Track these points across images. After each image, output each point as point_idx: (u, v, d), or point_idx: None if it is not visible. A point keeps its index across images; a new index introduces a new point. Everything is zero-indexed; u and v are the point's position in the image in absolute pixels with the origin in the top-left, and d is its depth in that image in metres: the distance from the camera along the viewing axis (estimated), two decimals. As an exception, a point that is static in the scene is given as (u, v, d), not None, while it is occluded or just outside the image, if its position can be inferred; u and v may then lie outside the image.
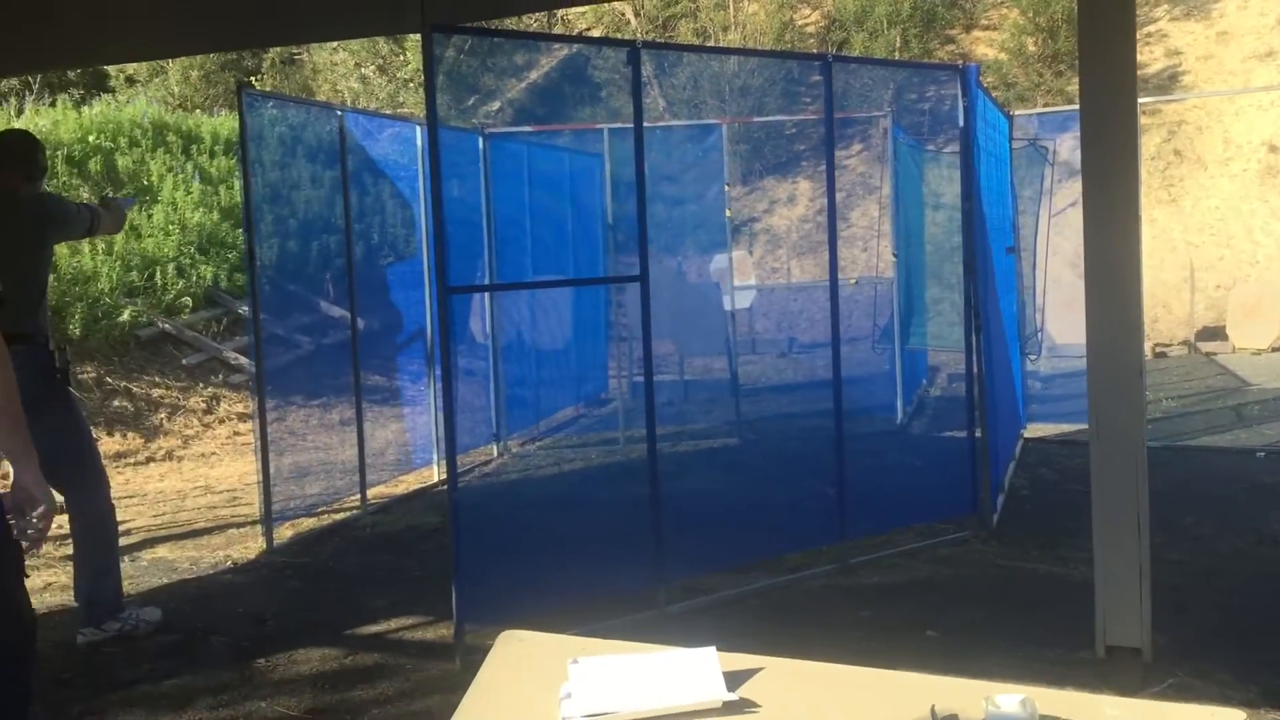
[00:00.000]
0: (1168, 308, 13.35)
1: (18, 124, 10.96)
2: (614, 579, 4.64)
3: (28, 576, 2.52)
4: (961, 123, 5.58)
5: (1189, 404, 9.11)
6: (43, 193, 4.56)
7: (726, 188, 8.89)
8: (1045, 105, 15.56)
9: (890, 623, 4.44)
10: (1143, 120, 15.76)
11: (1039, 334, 9.12)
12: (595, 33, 20.16)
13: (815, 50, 18.73)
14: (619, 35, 19.36)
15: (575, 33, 20.66)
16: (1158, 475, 6.72)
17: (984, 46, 18.46)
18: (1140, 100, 14.07)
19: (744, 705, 1.69)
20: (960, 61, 18.11)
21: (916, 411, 9.00)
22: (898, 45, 18.04)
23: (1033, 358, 9.01)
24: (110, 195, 5.68)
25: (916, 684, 1.69)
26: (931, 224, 9.06)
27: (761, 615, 4.58)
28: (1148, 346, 11.90)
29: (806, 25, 20.09)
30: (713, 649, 1.81)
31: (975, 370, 5.70)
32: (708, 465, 7.28)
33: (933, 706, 1.58)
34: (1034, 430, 8.09)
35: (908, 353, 8.94)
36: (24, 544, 2.45)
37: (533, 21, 20.46)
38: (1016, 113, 9.80)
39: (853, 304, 12.15)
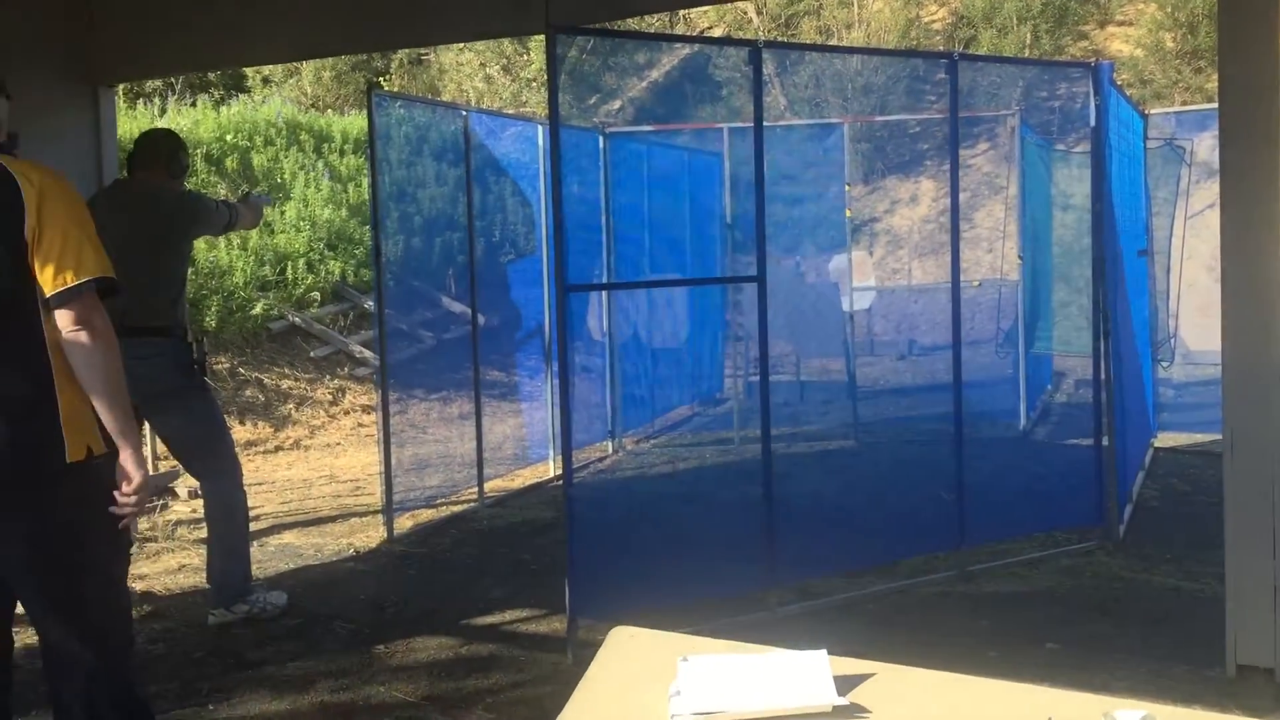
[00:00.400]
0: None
1: (160, 123, 11.47)
2: (725, 579, 4.63)
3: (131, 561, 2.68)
4: (1093, 122, 5.41)
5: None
6: (183, 190, 4.73)
7: (847, 187, 8.77)
8: (1183, 103, 15.00)
9: (1009, 633, 4.34)
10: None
11: (1172, 340, 8.78)
12: (717, 32, 20.15)
13: (941, 48, 18.40)
14: (741, 34, 19.31)
15: (697, 32, 20.68)
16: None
17: (1119, 43, 17.89)
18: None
19: (853, 710, 1.67)
20: (1093, 58, 17.59)
21: (1041, 417, 8.77)
22: (1028, 42, 17.60)
23: (1165, 364, 8.69)
24: (250, 192, 5.88)
25: (1032, 696, 1.65)
26: (1060, 225, 8.81)
27: (875, 621, 4.52)
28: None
29: (933, 22, 19.75)
30: (823, 652, 1.79)
31: (1103, 376, 5.53)
32: (822, 467, 7.21)
33: (1049, 719, 1.54)
34: (1166, 439, 7.81)
35: (1032, 357, 8.71)
36: (119, 515, 2.64)
37: (655, 21, 20.55)
38: (1152, 111, 9.46)
39: (976, 306, 11.89)
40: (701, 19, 21.16)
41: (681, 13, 21.45)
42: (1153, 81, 16.41)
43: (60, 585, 2.63)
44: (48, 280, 2.49)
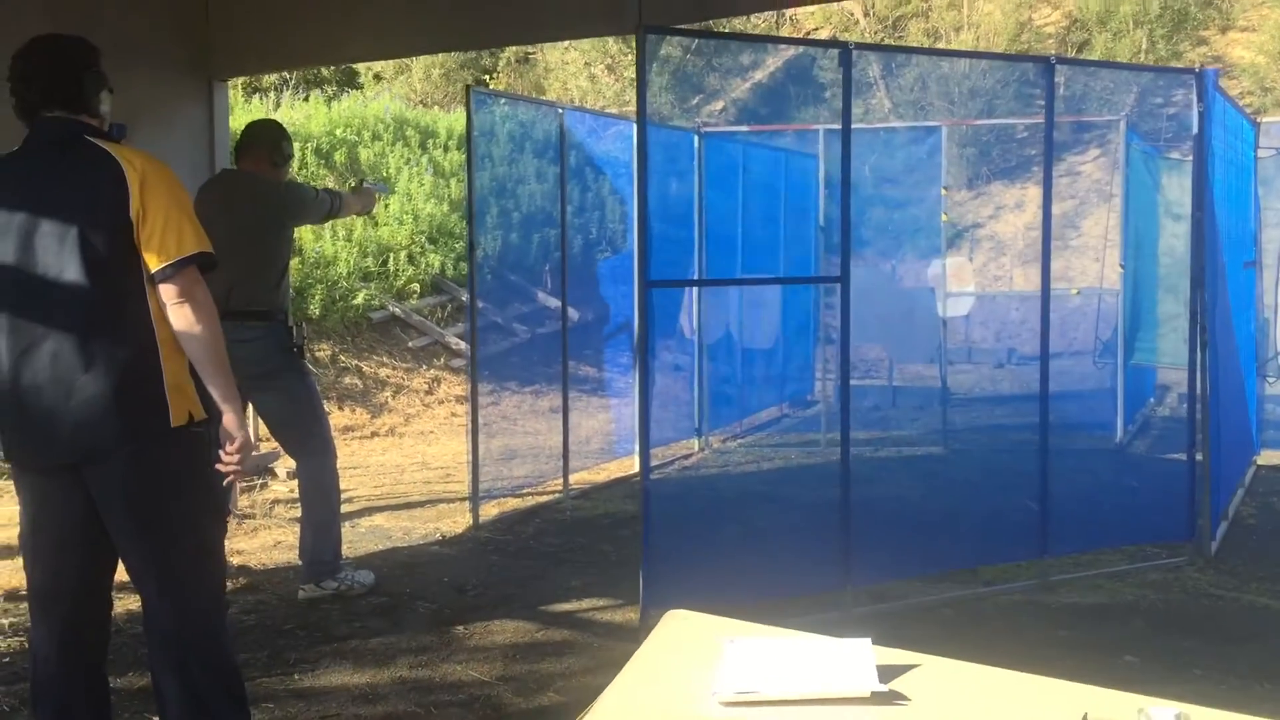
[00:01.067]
0: None
1: (274, 116, 11.86)
2: (800, 578, 4.65)
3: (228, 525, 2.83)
4: (1195, 128, 5.29)
5: None
6: (283, 180, 4.86)
7: (945, 191, 8.67)
8: (1306, 112, 14.46)
9: (1088, 644, 4.28)
10: None
11: (1277, 355, 8.50)
12: (823, 33, 20.03)
13: (1053, 51, 18.02)
14: (848, 35, 19.16)
15: (804, 33, 20.60)
16: None
17: (1241, 49, 17.31)
18: None
19: (892, 697, 1.70)
20: (1213, 65, 17.06)
21: (1141, 430, 8.57)
22: (1143, 47, 17.14)
23: (1272, 380, 8.42)
24: (364, 180, 6.08)
25: (1071, 692, 1.66)
26: (1170, 234, 8.58)
27: (951, 625, 4.50)
28: None
29: (1046, 25, 19.33)
30: (868, 640, 1.83)
31: (1199, 389, 5.40)
32: (908, 472, 7.16)
33: (1085, 715, 1.55)
34: (1271, 457, 7.58)
35: (1133, 369, 8.52)
36: (223, 474, 2.83)
37: (760, 22, 20.51)
38: (1268, 120, 9.17)
39: (1079, 315, 11.65)
40: (808, 20, 21.05)
41: (789, 14, 21.40)
42: (1275, 89, 15.85)
43: (159, 544, 2.79)
44: (152, 256, 2.68)
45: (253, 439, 3.72)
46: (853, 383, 4.76)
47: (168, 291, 2.69)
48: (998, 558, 5.18)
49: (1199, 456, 5.41)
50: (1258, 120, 7.98)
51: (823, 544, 4.68)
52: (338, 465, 4.92)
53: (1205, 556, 5.32)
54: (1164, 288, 8.55)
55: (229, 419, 2.76)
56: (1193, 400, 5.46)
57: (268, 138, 4.79)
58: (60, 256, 2.66)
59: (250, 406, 4.74)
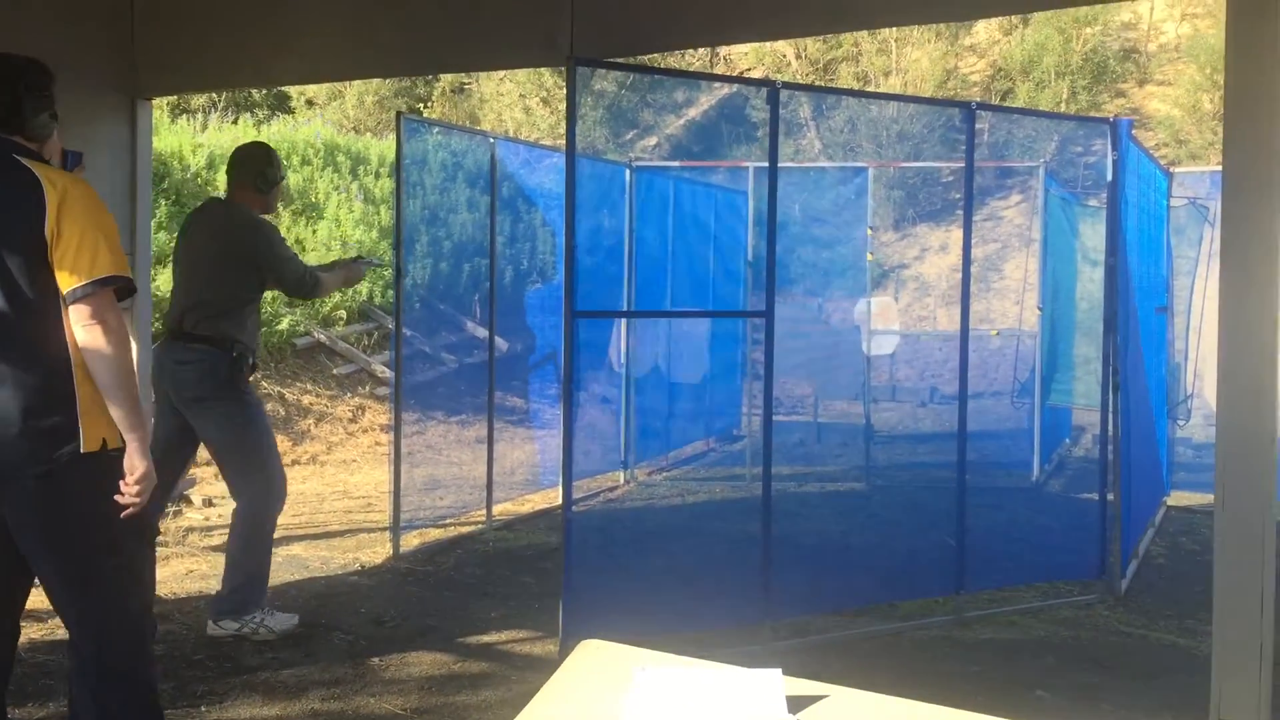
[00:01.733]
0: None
1: (200, 139, 11.70)
2: (721, 611, 4.67)
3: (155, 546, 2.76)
4: (1109, 176, 5.46)
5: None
6: (260, 223, 4.70)
7: (870, 231, 8.83)
8: (1219, 164, 14.98)
9: (1000, 679, 4.34)
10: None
11: (1189, 399, 8.75)
12: (756, 73, 20.32)
13: (978, 99, 18.48)
14: (779, 76, 19.47)
15: (738, 72, 20.88)
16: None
17: (1157, 101, 17.91)
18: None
19: (800, 728, 1.71)
20: (1131, 116, 17.57)
21: (1056, 470, 8.75)
22: (1065, 97, 17.64)
23: (1181, 423, 8.65)
24: (360, 256, 5.98)
25: (975, 724, 1.69)
26: (1088, 279, 8.82)
27: (868, 659, 4.53)
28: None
29: (972, 74, 19.83)
30: (778, 671, 1.84)
31: (1111, 431, 5.54)
32: (831, 507, 7.23)
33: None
34: (1181, 498, 7.77)
35: (1049, 409, 8.70)
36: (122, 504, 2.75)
37: (695, 60, 20.77)
38: (1181, 170, 9.48)
39: (1000, 356, 11.90)
40: (742, 60, 21.36)
41: (723, 53, 21.71)
42: (1189, 142, 16.40)
43: (77, 568, 2.73)
44: (65, 276, 2.63)
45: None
46: (779, 418, 4.81)
47: (79, 312, 2.63)
48: (916, 593, 5.24)
49: (1110, 496, 5.54)
50: (1171, 170, 8.25)
51: (744, 578, 4.71)
52: (275, 505, 4.67)
53: (1116, 594, 5.44)
54: (1081, 331, 8.78)
55: (132, 448, 2.70)
56: (1105, 441, 5.59)
57: (251, 163, 4.68)
58: None
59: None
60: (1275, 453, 3.46)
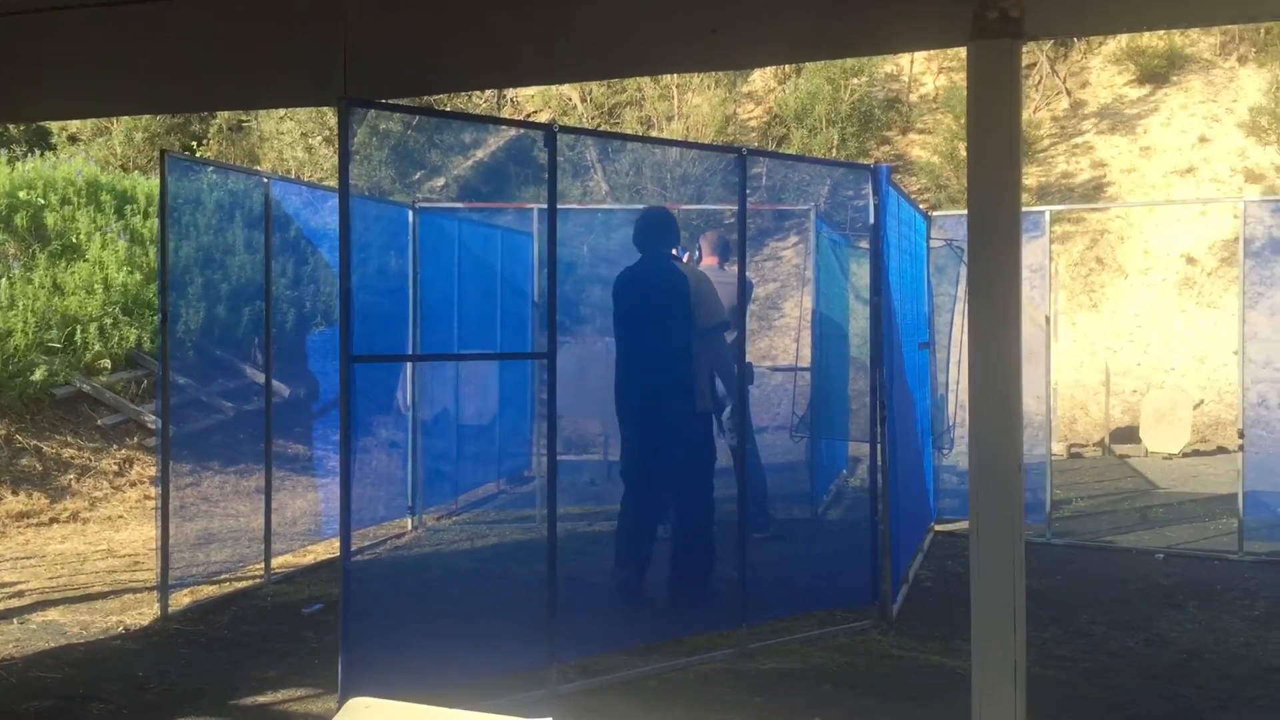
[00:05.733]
0: (1085, 410, 13.65)
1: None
2: (507, 657, 4.62)
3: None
4: (871, 219, 5.76)
5: (1099, 504, 9.29)
6: None
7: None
8: (975, 208, 15.97)
9: (780, 709, 4.46)
10: (1068, 228, 16.31)
11: (953, 428, 9.28)
12: (542, 115, 20.48)
13: (756, 144, 19.20)
14: (565, 119, 19.69)
15: (525, 115, 21.00)
16: (1060, 572, 6.89)
17: (919, 149, 19.00)
18: (1066, 208, 14.49)
19: (566, 775, 1.70)
20: (895, 163, 18.55)
21: (834, 501, 9.09)
22: (836, 143, 18.51)
23: (945, 452, 9.16)
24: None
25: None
26: (860, 317, 9.23)
27: (655, 697, 4.57)
28: (1063, 447, 12.15)
29: (750, 119, 20.58)
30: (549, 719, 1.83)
31: (880, 461, 5.81)
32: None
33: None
34: (948, 524, 8.20)
35: (826, 442, 9.05)
36: None
37: (482, 101, 20.78)
38: (940, 214, 10.09)
39: (781, 392, 12.33)
40: (529, 102, 21.51)
41: (510, 96, 21.80)
42: (948, 186, 17.46)
43: None
44: None
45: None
46: (570, 457, 4.83)
47: None
48: (702, 628, 5.33)
49: (881, 525, 5.80)
50: (930, 214, 8.77)
51: (529, 621, 4.67)
52: None
53: (888, 619, 5.68)
54: (855, 366, 9.19)
55: None
56: (874, 471, 5.86)
57: None
58: None
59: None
60: (1023, 480, 3.70)
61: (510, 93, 21.71)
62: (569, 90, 20.59)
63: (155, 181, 13.78)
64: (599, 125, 20.11)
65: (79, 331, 10.06)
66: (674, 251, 6.16)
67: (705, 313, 5.78)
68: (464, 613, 5.32)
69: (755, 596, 5.32)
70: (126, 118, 18.53)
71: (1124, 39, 18.17)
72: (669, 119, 19.80)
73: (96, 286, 10.61)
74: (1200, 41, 18.21)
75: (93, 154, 17.64)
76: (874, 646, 5.32)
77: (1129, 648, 5.33)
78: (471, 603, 5.56)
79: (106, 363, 10.17)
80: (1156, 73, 18.04)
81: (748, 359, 6.01)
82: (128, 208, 12.29)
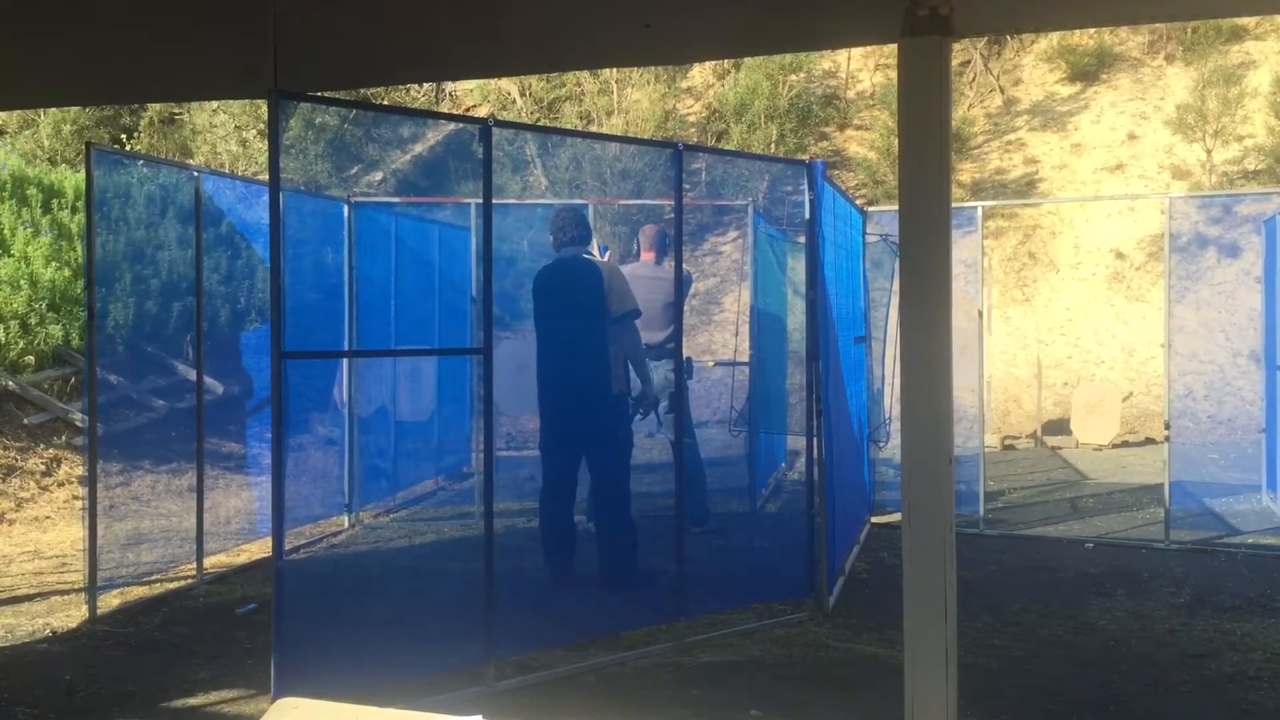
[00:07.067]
0: (1018, 402, 13.88)
1: None
2: (443, 654, 4.59)
3: None
4: (807, 214, 5.80)
5: (1030, 495, 9.46)
6: None
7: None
8: (911, 203, 16.16)
9: (717, 701, 4.48)
10: (1000, 223, 16.57)
11: (887, 422, 9.38)
12: (482, 110, 20.37)
13: (695, 139, 19.26)
14: (505, 114, 19.59)
15: (464, 109, 20.87)
16: (993, 562, 7.00)
17: (856, 145, 19.18)
18: (998, 203, 14.69)
19: (494, 772, 1.70)
20: (833, 159, 18.70)
21: (772, 494, 9.14)
22: (774, 139, 18.61)
23: (881, 445, 9.26)
24: None
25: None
26: (798, 312, 9.29)
27: (592, 693, 4.57)
28: (997, 439, 12.34)
29: (689, 115, 20.63)
30: (479, 717, 1.83)
31: (816, 454, 5.86)
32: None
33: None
34: (883, 517, 8.29)
35: (765, 436, 9.09)
36: None
37: (420, 95, 20.61)
38: (876, 209, 10.19)
39: (721, 386, 12.37)
40: (468, 96, 21.37)
41: (449, 90, 21.65)
42: (884, 182, 17.65)
43: None
44: None
45: None
46: (510, 453, 4.81)
47: None
48: (640, 622, 5.34)
49: (818, 517, 5.85)
50: (866, 209, 8.85)
51: (467, 618, 4.65)
52: None
53: (824, 610, 5.73)
54: (793, 361, 9.25)
55: None
56: (811, 464, 5.91)
57: None
58: None
59: None
60: (954, 472, 3.75)
61: (450, 87, 21.57)
62: (508, 85, 20.49)
63: (83, 175, 13.49)
64: (538, 120, 20.05)
65: (3, 328, 9.82)
66: (593, 248, 6.34)
67: (617, 302, 5.93)
68: (401, 611, 5.27)
69: (693, 590, 5.34)
70: (54, 110, 18.12)
71: (1055, 38, 18.49)
72: (609, 114, 19.78)
73: (22, 282, 10.36)
74: (1129, 40, 18.59)
75: (18, 147, 17.22)
76: (810, 638, 5.37)
77: (1059, 636, 5.43)
78: (409, 600, 5.52)
79: (32, 359, 9.94)
80: (1087, 71, 18.39)
81: (687, 354, 6.03)
82: (54, 202, 12.01)
